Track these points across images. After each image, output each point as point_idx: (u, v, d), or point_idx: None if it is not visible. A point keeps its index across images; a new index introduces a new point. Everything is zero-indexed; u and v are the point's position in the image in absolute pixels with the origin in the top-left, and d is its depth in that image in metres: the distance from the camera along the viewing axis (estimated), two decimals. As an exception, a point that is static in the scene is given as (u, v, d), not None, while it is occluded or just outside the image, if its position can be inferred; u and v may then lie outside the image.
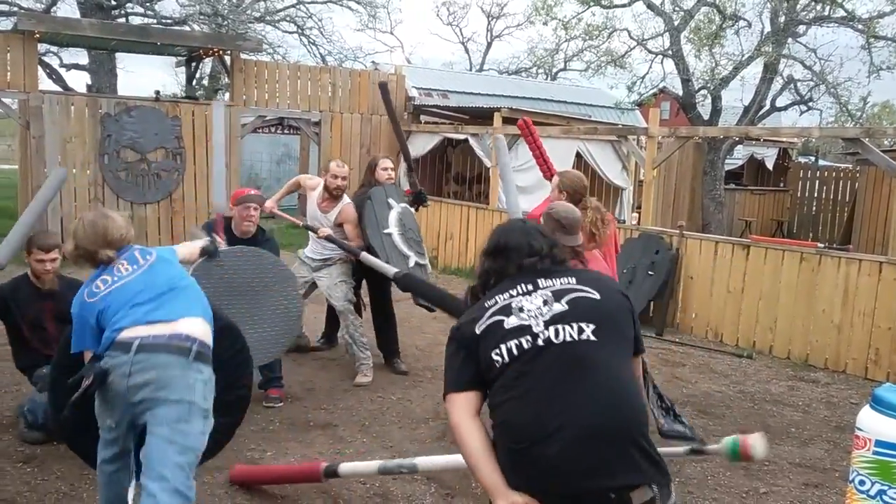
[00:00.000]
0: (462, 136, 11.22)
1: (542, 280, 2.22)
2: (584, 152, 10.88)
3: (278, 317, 4.59)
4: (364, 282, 5.90)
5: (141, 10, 17.78)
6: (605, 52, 16.63)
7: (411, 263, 5.50)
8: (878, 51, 13.89)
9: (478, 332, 2.15)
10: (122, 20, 17.06)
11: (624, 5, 15.44)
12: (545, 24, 17.42)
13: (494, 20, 28.97)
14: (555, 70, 24.46)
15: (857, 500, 2.61)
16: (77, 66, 18.17)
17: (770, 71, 13.90)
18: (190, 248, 3.84)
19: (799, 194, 16.44)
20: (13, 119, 9.82)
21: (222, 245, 4.53)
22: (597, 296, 2.17)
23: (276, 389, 5.04)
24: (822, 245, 7.44)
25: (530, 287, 2.21)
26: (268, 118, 11.28)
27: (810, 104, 15.36)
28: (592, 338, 2.08)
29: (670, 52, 14.57)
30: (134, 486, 2.89)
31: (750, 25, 14.65)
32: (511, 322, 2.13)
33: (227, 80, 14.49)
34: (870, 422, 2.55)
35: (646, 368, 4.00)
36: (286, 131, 17.00)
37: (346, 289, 5.50)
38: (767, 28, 14.07)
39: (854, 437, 2.65)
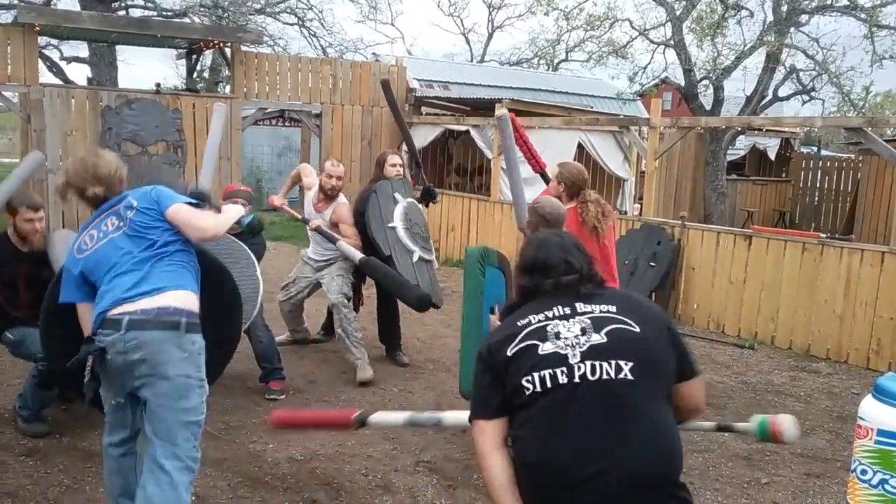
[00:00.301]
0: (463, 128, 11.20)
1: (581, 304, 2.11)
2: (586, 143, 10.85)
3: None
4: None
5: (141, 2, 17.74)
6: (607, 42, 16.58)
7: (415, 258, 5.45)
8: (880, 40, 13.86)
9: (509, 354, 2.06)
10: (123, 13, 17.01)
11: (625, -5, 15.38)
12: (546, 14, 17.39)
13: (495, 11, 28.85)
14: (556, 61, 24.40)
15: (859, 489, 2.61)
16: (77, 59, 18.14)
17: (772, 60, 13.84)
18: (218, 219, 3.11)
19: (801, 184, 16.40)
20: (14, 112, 9.82)
21: None
22: (637, 328, 2.05)
23: (278, 382, 5.05)
24: (824, 235, 7.41)
25: (567, 311, 2.10)
26: (269, 110, 11.29)
27: (813, 94, 15.32)
28: (630, 377, 1.97)
29: (672, 42, 14.51)
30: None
31: (752, 15, 14.61)
32: (546, 348, 2.03)
33: (227, 72, 14.48)
34: (872, 411, 2.55)
35: None
36: (287, 123, 16.96)
37: (341, 282, 5.46)
38: (770, 17, 14.01)
39: (856, 426, 2.65)
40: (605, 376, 1.96)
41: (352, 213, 5.52)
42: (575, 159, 10.83)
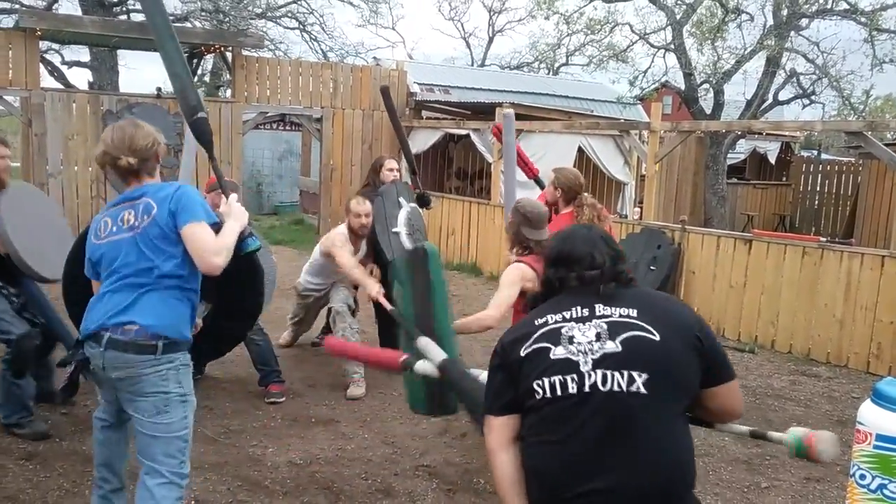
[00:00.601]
0: (464, 132, 11.22)
1: (601, 306, 2.03)
2: (587, 147, 10.86)
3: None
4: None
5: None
6: (607, 46, 16.63)
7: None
8: (880, 44, 13.86)
9: (522, 354, 2.01)
10: (124, 17, 17.05)
11: (626, -1, 15.42)
12: (547, 18, 17.44)
13: (496, 15, 28.98)
14: (557, 65, 24.49)
15: (857, 494, 2.60)
16: (79, 64, 18.19)
17: (772, 64, 13.86)
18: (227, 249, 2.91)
19: (801, 188, 16.41)
20: (15, 116, 9.84)
21: None
22: (656, 336, 1.95)
23: (277, 385, 5.05)
24: (824, 239, 7.41)
25: (586, 312, 2.02)
26: (269, 114, 11.33)
27: (813, 98, 15.32)
28: (643, 390, 1.89)
29: (672, 46, 14.53)
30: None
31: (752, 19, 14.63)
32: (558, 353, 1.97)
33: (228, 76, 14.50)
34: (870, 416, 2.54)
35: None
36: (288, 128, 17.02)
37: (346, 293, 5.49)
38: (770, 21, 14.04)
39: (855, 431, 2.64)
40: (615, 388, 1.90)
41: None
42: (575, 163, 10.87)
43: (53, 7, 16.81)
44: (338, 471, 4.02)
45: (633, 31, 15.80)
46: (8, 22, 15.37)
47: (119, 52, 16.00)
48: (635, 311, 2.01)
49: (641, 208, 9.26)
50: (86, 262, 2.88)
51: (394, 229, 5.45)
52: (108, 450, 2.96)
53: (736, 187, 15.83)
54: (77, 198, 9.67)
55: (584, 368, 1.93)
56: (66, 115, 9.61)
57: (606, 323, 1.99)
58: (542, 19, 18.91)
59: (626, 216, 10.68)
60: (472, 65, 26.84)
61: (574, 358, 1.95)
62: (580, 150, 10.86)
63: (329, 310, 6.31)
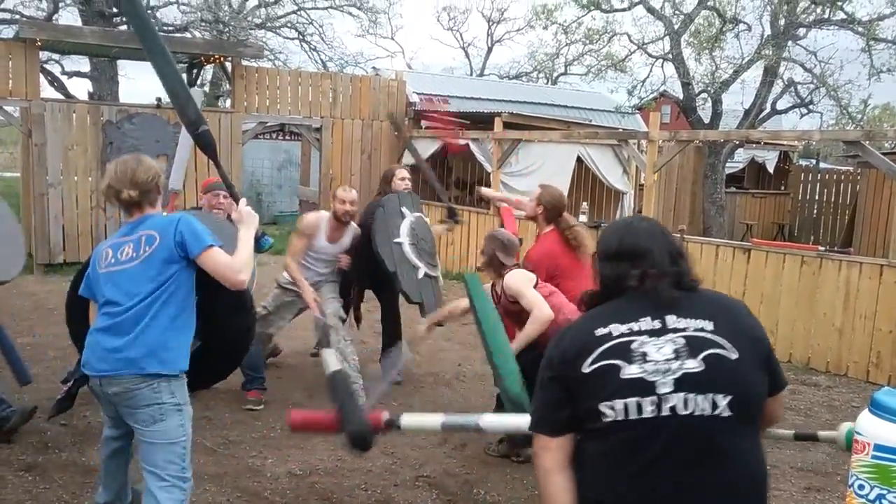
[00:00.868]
0: (463, 142, 11.23)
1: (673, 318, 1.84)
2: (585, 156, 10.88)
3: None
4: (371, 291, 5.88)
5: (142, 17, 17.82)
6: (606, 56, 16.68)
7: (420, 275, 5.34)
8: (878, 53, 13.89)
9: (585, 371, 1.80)
10: (124, 27, 17.09)
11: (624, 9, 15.46)
12: (545, 28, 17.54)
13: (495, 25, 29.12)
14: (555, 74, 24.56)
15: (857, 504, 2.60)
16: (78, 74, 18.24)
17: (770, 74, 13.91)
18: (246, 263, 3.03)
19: (800, 197, 16.43)
20: (15, 127, 9.86)
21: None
22: (735, 355, 1.80)
23: (257, 392, 5.06)
24: (822, 248, 7.41)
25: (657, 325, 1.83)
26: (269, 124, 11.34)
27: (811, 107, 15.36)
28: (727, 413, 1.75)
29: (670, 55, 14.58)
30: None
31: (750, 29, 14.67)
32: (631, 372, 1.77)
33: (228, 86, 14.54)
34: (868, 426, 2.54)
35: None
36: (287, 137, 17.05)
37: (337, 306, 5.36)
38: (767, 31, 14.08)
39: (853, 441, 2.65)
40: (697, 412, 1.74)
41: (358, 227, 5.45)
42: (574, 173, 10.91)
43: (54, 18, 16.88)
44: (337, 482, 4.02)
45: (631, 41, 15.86)
46: (8, 32, 15.43)
47: (119, 62, 16.04)
48: (711, 325, 1.83)
49: (640, 218, 9.26)
50: (87, 284, 3.03)
51: (396, 240, 5.35)
52: (112, 465, 3.16)
53: (734, 196, 15.85)
54: (77, 208, 9.68)
55: (662, 390, 1.75)
56: (66, 125, 9.62)
57: (684, 338, 1.81)
58: (541, 29, 19.03)
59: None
60: (471, 75, 26.91)
61: (650, 378, 1.76)
62: (579, 160, 10.88)
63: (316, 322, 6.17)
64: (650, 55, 15.65)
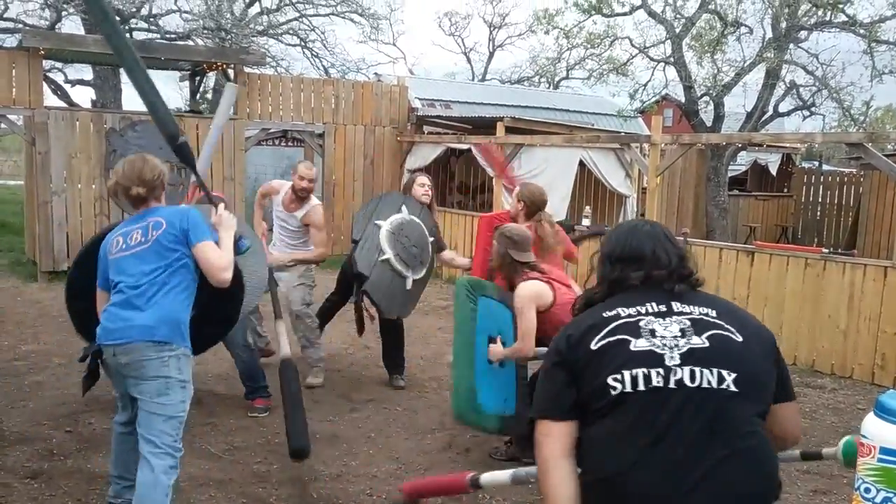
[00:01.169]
0: (465, 146, 11.25)
1: (677, 304, 1.89)
2: (588, 160, 10.89)
3: None
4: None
5: (145, 25, 17.89)
6: (607, 60, 16.66)
7: (382, 258, 5.14)
8: (880, 55, 13.88)
9: (593, 347, 1.82)
10: (127, 35, 17.15)
11: (625, 13, 15.47)
12: (547, 33, 17.48)
13: (496, 30, 29.08)
14: (557, 79, 24.56)
15: (863, 507, 2.60)
16: (82, 82, 18.26)
17: (772, 77, 13.90)
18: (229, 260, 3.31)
19: (803, 199, 16.41)
20: (19, 135, 9.89)
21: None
22: (739, 338, 1.83)
23: (263, 399, 5.07)
24: (826, 250, 7.41)
25: (663, 308, 1.87)
26: (271, 131, 11.34)
27: (813, 109, 15.34)
28: (733, 388, 1.76)
29: (672, 59, 14.59)
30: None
31: (751, 31, 14.67)
32: (639, 345, 1.79)
33: (230, 93, 14.49)
34: (874, 429, 2.52)
35: None
36: (290, 144, 17.04)
37: (304, 292, 5.53)
38: (769, 34, 14.08)
39: (858, 444, 2.64)
40: (705, 385, 1.75)
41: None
42: (577, 177, 10.92)
43: (56, 27, 16.91)
44: (343, 487, 4.02)
45: (632, 45, 15.86)
46: (11, 41, 15.46)
47: (121, 70, 16.08)
48: (714, 312, 1.88)
49: (643, 221, 9.25)
50: (100, 273, 3.26)
51: (376, 221, 5.28)
52: (123, 451, 3.34)
53: (737, 199, 15.83)
54: (80, 215, 9.69)
55: (670, 362, 1.77)
56: (70, 133, 9.65)
57: (689, 319, 1.85)
58: (542, 34, 19.03)
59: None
60: (473, 80, 26.91)
61: (659, 350, 1.78)
62: (581, 164, 10.88)
63: (319, 312, 6.12)
64: (652, 59, 15.66)
